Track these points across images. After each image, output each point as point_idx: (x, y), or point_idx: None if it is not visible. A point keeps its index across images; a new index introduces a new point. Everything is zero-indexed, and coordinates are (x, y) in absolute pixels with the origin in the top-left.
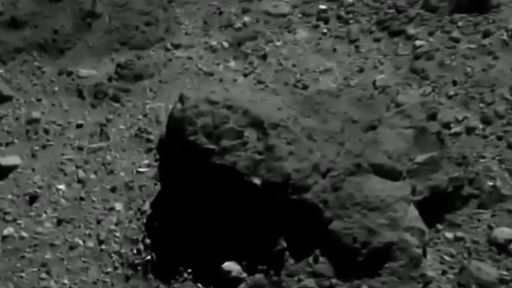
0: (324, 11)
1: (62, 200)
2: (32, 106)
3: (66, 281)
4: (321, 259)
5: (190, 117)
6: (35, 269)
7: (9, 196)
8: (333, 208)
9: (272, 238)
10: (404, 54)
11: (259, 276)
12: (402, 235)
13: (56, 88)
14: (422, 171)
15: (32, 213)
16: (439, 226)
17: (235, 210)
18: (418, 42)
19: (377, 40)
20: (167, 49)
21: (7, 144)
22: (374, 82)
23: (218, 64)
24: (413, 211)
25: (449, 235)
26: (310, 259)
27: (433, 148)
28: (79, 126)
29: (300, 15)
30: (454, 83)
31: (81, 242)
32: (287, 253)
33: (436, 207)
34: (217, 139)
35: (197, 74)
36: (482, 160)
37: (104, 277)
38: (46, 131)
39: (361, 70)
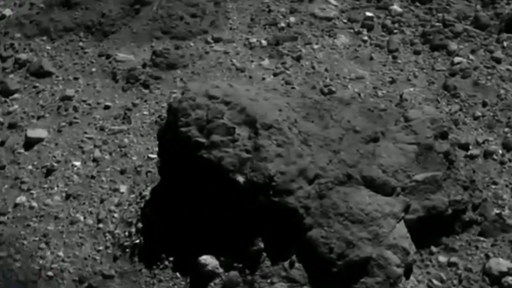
0: (370, 18)
1: (75, 176)
2: (69, 84)
3: (61, 253)
4: (296, 265)
5: (185, 108)
6: (36, 239)
7: (29, 167)
8: (315, 215)
9: (250, 238)
10: (441, 70)
11: (233, 274)
12: (382, 251)
13: (94, 69)
14: (420, 189)
15: (46, 185)
16: (434, 249)
17: (221, 206)
18: (457, 59)
19: (417, 52)
20: (207, 42)
21: (38, 118)
22: (401, 95)
23: (252, 61)
24: (401, 229)
25: (443, 259)
26: (286, 264)
27: (437, 167)
28: (106, 107)
29: (345, 21)
30: (484, 104)
31: (82, 218)
32: (264, 254)
33: (433, 228)
34: (208, 133)
35: (229, 69)
36: (493, 186)
37: (95, 255)
38: (76, 109)
39: (392, 81)
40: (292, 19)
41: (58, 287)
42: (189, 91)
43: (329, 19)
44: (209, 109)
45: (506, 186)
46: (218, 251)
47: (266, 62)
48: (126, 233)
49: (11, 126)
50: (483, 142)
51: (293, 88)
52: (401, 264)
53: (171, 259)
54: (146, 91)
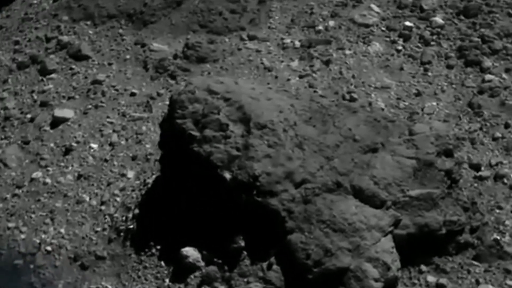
0: (409, 28)
1: (90, 158)
2: (102, 69)
3: (62, 230)
4: (274, 267)
5: (182, 101)
6: (44, 214)
7: (51, 145)
8: (297, 219)
9: (232, 235)
10: (470, 86)
11: (212, 269)
12: (362, 264)
13: (128, 56)
14: (414, 206)
15: (62, 164)
16: (424, 268)
17: (210, 200)
18: (488, 76)
19: (450, 66)
20: (241, 39)
21: (69, 98)
22: (423, 109)
23: (282, 61)
24: (386, 244)
25: (431, 279)
26: (265, 265)
27: (435, 185)
28: (132, 94)
29: (383, 28)
30: (506, 125)
31: (87, 199)
32: (244, 253)
33: (424, 247)
34: (202, 127)
35: (257, 67)
36: (498, 210)
37: (92, 235)
38: (103, 93)
39: (418, 94)
40: (331, 23)
41: (54, 262)
42: (191, 84)
43: (367, 25)
44: (206, 104)
45: (511, 211)
46: (202, 244)
47: (295, 63)
48: (124, 218)
49: (43, 104)
50: (496, 164)
51: (315, 91)
52: (380, 279)
53: (158, 247)
54: (173, 82)
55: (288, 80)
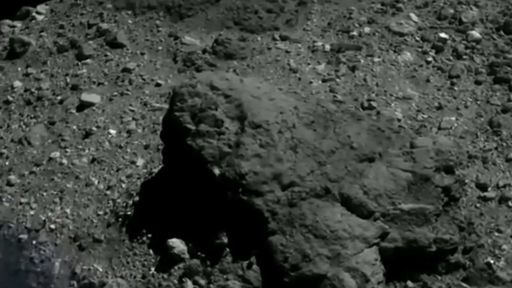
0: (443, 40)
1: (106, 143)
2: (134, 58)
3: (68, 210)
4: (254, 267)
5: (182, 93)
6: (54, 193)
7: (74, 127)
8: (281, 222)
9: (216, 231)
10: (495, 104)
11: (195, 262)
12: (339, 272)
13: (160, 48)
14: (404, 219)
15: (80, 146)
16: (410, 284)
17: (201, 194)
18: None
19: (478, 82)
20: (273, 39)
21: (98, 84)
22: (440, 123)
23: (309, 64)
24: (369, 255)
25: None
26: (245, 264)
27: (430, 201)
28: (157, 85)
29: (417, 38)
30: None
31: (96, 182)
32: (227, 250)
33: (413, 263)
34: (198, 121)
35: (282, 68)
36: (496, 234)
37: (93, 218)
38: (131, 82)
39: (439, 108)
40: (366, 29)
41: (55, 240)
42: (195, 78)
43: (401, 34)
44: (205, 99)
45: (511, 236)
46: (189, 237)
47: (321, 67)
48: (124, 204)
49: (73, 87)
50: (504, 186)
51: (334, 96)
52: None
53: (149, 236)
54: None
55: (310, 83)
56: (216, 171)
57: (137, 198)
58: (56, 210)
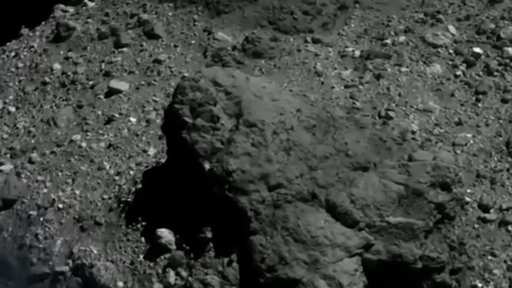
0: (477, 55)
1: (125, 130)
2: (167, 50)
3: (77, 192)
4: (234, 264)
5: (184, 87)
6: (68, 173)
7: (99, 112)
8: (263, 222)
9: (201, 225)
10: None
11: (179, 254)
12: (315, 279)
13: (193, 42)
14: (390, 233)
15: (100, 131)
16: None
17: (193, 187)
18: None
19: (504, 101)
20: (305, 41)
21: (129, 72)
22: (454, 139)
23: (335, 69)
24: (349, 265)
25: None
26: (226, 260)
27: (421, 216)
28: (183, 78)
29: (451, 51)
30: None
31: (107, 167)
32: (211, 244)
33: (397, 277)
34: (196, 116)
35: (308, 71)
36: (489, 257)
37: (99, 201)
38: (159, 73)
39: (459, 123)
40: (401, 38)
41: (61, 219)
42: (199, 73)
43: (435, 46)
44: (206, 94)
45: (504, 261)
46: (178, 229)
47: (347, 72)
48: (128, 190)
49: (106, 74)
50: (507, 209)
51: (353, 103)
52: None
53: (144, 223)
54: None
55: (332, 87)
56: (207, 165)
57: (139, 186)
58: (67, 190)
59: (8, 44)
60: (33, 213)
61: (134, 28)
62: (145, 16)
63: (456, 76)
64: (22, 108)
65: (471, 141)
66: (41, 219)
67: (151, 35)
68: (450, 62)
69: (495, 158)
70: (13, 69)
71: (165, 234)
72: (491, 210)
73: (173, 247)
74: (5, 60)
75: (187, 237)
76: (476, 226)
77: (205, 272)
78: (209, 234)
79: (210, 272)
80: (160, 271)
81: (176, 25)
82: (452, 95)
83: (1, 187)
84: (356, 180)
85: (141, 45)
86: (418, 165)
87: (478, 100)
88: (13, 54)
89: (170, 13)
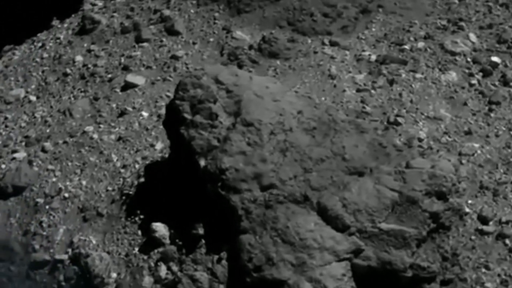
0: (494, 64)
1: (136, 124)
2: (186, 46)
3: (84, 182)
4: (223, 262)
5: (185, 83)
6: (77, 164)
7: (113, 105)
8: (254, 221)
9: (194, 221)
10: None
11: (171, 248)
12: (301, 281)
13: (211, 39)
14: (381, 239)
15: (112, 124)
16: None
17: (189, 183)
18: None
19: None
20: (322, 43)
21: (147, 67)
22: (460, 150)
23: (349, 72)
24: (337, 270)
25: None
26: (216, 257)
27: (414, 224)
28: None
29: (468, 59)
30: None
31: (115, 160)
32: (203, 241)
33: (387, 285)
34: (195, 112)
35: (322, 73)
36: (484, 270)
37: (103, 193)
38: (175, 69)
39: (468, 133)
40: (420, 44)
41: (65, 208)
42: (202, 70)
43: (453, 53)
44: (207, 91)
45: (498, 275)
46: (173, 223)
47: (360, 77)
48: (131, 183)
49: (125, 68)
50: (506, 223)
51: (363, 107)
52: None
53: (141, 216)
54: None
55: (344, 91)
56: (202, 162)
57: (142, 179)
58: (74, 180)
59: (38, 35)
60: (40, 200)
61: (155, 24)
62: (167, 12)
63: (471, 85)
64: (42, 98)
65: (478, 151)
66: (47, 207)
67: (172, 31)
68: (467, 71)
69: (501, 170)
70: (38, 59)
71: (160, 228)
72: (490, 223)
73: (167, 241)
74: (32, 50)
75: (181, 233)
76: (473, 237)
77: (195, 268)
78: (201, 231)
79: (200, 269)
80: (152, 264)
81: (197, 22)
82: (465, 103)
83: (12, 174)
84: (350, 185)
85: (161, 41)
86: (415, 172)
87: (490, 110)
88: (40, 44)
89: (192, 10)
